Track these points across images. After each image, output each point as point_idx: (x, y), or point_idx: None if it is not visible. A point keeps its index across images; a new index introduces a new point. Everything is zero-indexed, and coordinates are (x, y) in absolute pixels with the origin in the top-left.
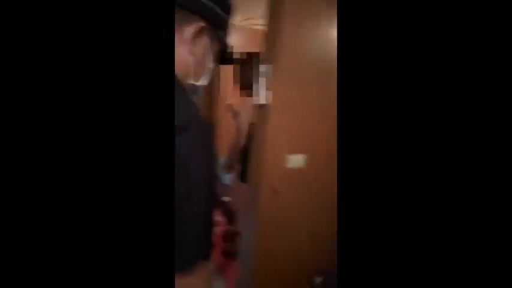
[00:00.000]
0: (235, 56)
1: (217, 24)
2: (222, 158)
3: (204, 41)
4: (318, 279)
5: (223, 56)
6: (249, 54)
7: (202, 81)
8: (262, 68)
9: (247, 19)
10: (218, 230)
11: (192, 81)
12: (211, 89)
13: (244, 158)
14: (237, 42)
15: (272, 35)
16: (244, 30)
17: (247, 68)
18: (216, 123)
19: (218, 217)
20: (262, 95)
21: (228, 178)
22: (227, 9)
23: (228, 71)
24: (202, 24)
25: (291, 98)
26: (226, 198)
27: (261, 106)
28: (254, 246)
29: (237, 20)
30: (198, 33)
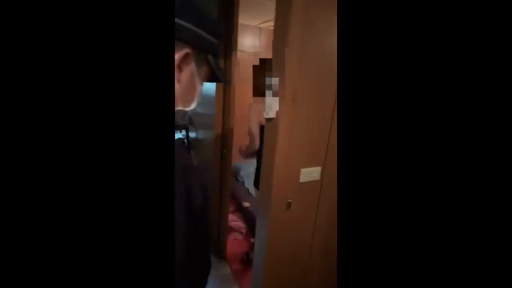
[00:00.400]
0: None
1: (204, 48)
2: (239, 164)
3: (191, 67)
4: None
5: (214, 78)
6: (263, 60)
7: (191, 107)
8: (269, 81)
9: (267, 21)
10: (240, 238)
11: (180, 108)
12: (226, 95)
13: (259, 163)
14: (257, 43)
15: (280, 42)
16: (264, 31)
17: (261, 74)
18: (231, 129)
19: (238, 222)
20: (271, 107)
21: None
22: (214, 33)
23: (243, 78)
24: (187, 50)
25: (303, 107)
26: (246, 204)
27: (270, 119)
28: (267, 254)
29: (257, 22)
30: (183, 60)
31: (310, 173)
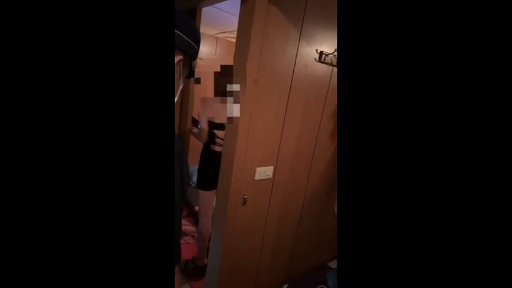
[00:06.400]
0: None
1: (190, 55)
2: (192, 167)
3: (180, 69)
4: (285, 286)
5: (190, 76)
6: (224, 66)
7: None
8: (230, 87)
9: (224, 32)
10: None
11: None
12: (185, 100)
13: (210, 161)
14: (214, 51)
15: (241, 51)
16: (221, 41)
17: (222, 80)
18: (187, 130)
19: (190, 227)
20: (232, 110)
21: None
22: (197, 42)
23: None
24: (180, 57)
25: (259, 113)
26: (197, 209)
27: (230, 120)
28: (222, 254)
29: (214, 32)
30: (176, 64)
31: (265, 172)
